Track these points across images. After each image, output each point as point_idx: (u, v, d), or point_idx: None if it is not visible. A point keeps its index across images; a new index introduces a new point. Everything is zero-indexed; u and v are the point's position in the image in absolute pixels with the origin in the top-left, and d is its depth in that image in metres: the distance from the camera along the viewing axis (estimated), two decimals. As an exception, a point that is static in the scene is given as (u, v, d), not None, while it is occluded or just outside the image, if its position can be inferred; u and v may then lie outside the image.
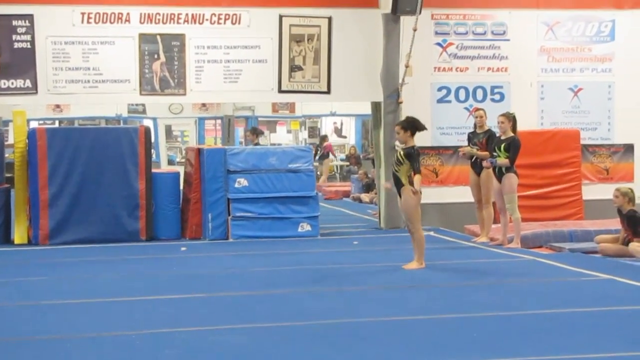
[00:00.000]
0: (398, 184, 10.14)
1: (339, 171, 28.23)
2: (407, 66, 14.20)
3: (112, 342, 6.92)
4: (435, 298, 8.65)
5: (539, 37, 15.19)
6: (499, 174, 11.96)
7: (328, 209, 18.15)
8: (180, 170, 14.61)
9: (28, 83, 13.52)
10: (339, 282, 9.62)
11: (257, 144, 16.75)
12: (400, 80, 14.26)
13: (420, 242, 10.22)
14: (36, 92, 13.60)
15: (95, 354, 6.61)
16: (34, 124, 21.76)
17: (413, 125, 10.14)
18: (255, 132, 17.51)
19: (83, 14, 13.64)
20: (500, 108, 13.99)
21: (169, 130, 28.19)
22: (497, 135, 12.24)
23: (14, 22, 13.43)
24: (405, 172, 10.04)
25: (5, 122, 23.54)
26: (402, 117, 14.18)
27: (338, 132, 29.63)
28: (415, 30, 13.95)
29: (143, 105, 25.26)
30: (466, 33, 14.97)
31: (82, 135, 13.27)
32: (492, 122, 12.76)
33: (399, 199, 10.19)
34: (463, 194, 13.36)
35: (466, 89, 15.00)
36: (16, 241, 12.90)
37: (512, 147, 11.83)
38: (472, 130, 12.83)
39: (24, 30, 13.45)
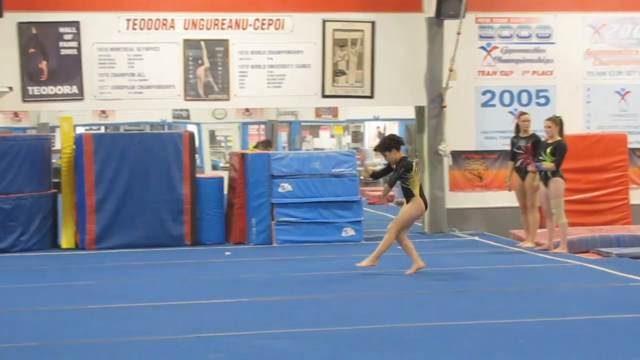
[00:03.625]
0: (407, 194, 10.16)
1: (382, 176, 28.15)
2: (451, 70, 14.14)
3: (157, 346, 6.96)
4: (481, 303, 8.58)
5: (584, 40, 15.04)
6: (545, 178, 11.86)
7: (371, 213, 18.10)
8: (224, 175, 14.67)
9: (74, 89, 13.67)
10: (382, 286, 9.59)
11: None
12: (444, 85, 14.21)
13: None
14: (82, 98, 13.75)
15: (141, 358, 6.64)
16: (80, 130, 21.98)
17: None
18: (268, 145, 17.28)
19: (128, 20, 13.77)
20: (546, 112, 13.88)
21: (212, 135, 28.34)
22: (543, 139, 12.13)
23: (61, 29, 13.59)
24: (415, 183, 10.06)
25: (52, 128, 23.80)
26: (446, 122, 14.23)
27: (381, 136, 29.57)
28: (459, 34, 13.90)
29: (187, 110, 25.42)
30: (511, 36, 14.87)
31: (128, 140, 13.38)
32: (537, 126, 12.65)
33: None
34: (508, 199, 13.25)
35: (511, 93, 14.90)
36: (63, 245, 13.04)
37: (559, 151, 11.72)
38: (514, 134, 12.72)
39: (70, 37, 13.61)
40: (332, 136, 28.82)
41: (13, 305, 8.81)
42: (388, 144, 10.18)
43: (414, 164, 10.11)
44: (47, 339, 7.24)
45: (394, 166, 10.15)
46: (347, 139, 29.59)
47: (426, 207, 10.32)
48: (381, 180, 27.55)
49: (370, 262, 10.22)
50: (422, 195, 10.16)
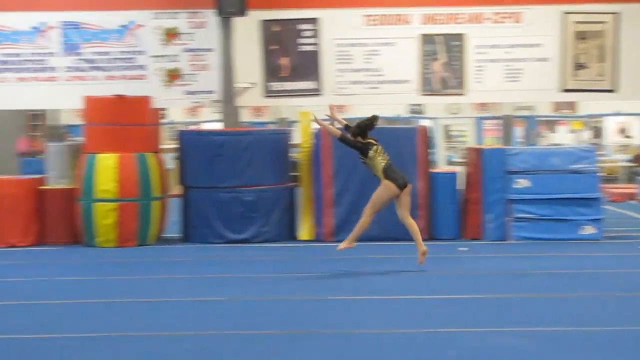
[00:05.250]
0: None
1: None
2: (701, 61, 13.41)
3: (391, 340, 7.01)
4: None
5: None
6: None
7: (612, 211, 17.47)
8: (460, 170, 14.56)
9: (313, 84, 14.01)
10: (617, 288, 9.21)
11: None
12: (695, 77, 13.49)
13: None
14: (321, 93, 14.07)
15: (377, 349, 6.72)
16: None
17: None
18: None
19: (365, 16, 13.96)
20: None
21: (447, 130, 28.29)
22: None
23: (300, 26, 13.98)
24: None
25: (289, 123, 24.53)
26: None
27: (622, 132, 28.47)
28: None
29: (422, 105, 25.53)
30: None
31: (364, 134, 13.50)
32: None
33: None
34: None
35: None
36: (301, 237, 13.37)
37: None
38: None
39: (309, 33, 13.96)
40: (572, 132, 28.01)
41: (258, 294, 9.15)
42: (352, 131, 10.55)
43: (371, 151, 10.38)
44: (293, 328, 7.49)
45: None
46: (586, 134, 28.68)
47: (404, 187, 10.35)
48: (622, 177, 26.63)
49: (348, 244, 10.47)
50: (391, 177, 10.32)
